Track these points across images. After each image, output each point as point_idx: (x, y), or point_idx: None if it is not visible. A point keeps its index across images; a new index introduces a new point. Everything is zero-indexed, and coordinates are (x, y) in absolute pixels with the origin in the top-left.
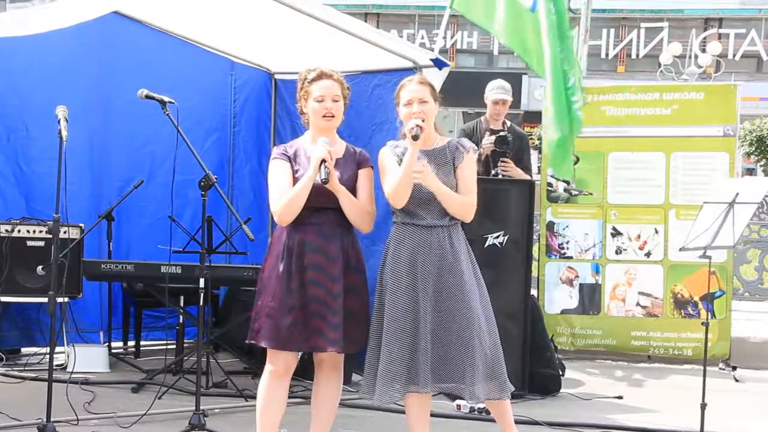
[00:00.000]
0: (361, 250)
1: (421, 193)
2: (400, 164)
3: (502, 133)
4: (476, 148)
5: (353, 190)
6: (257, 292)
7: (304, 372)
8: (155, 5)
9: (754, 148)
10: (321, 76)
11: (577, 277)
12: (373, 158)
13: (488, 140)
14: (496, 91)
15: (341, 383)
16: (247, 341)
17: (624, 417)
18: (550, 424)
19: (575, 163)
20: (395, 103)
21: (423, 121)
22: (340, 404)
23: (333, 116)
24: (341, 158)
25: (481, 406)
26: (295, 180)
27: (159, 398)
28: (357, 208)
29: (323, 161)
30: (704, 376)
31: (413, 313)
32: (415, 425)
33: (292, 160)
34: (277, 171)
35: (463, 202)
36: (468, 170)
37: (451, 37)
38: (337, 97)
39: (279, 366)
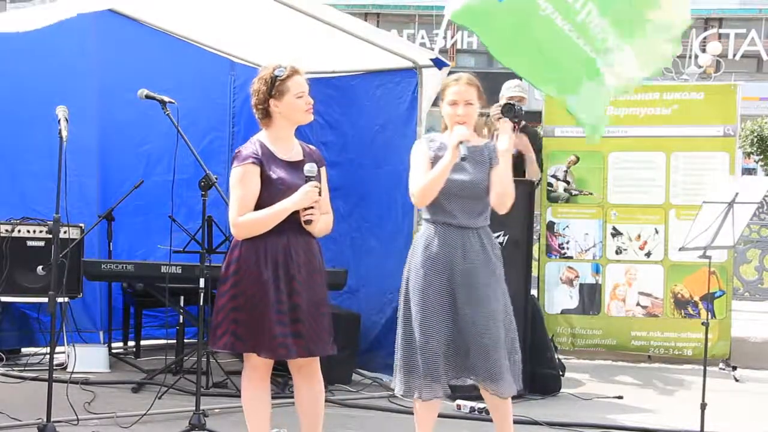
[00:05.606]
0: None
1: (462, 188)
2: (433, 159)
3: (509, 101)
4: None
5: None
6: (226, 297)
7: None
8: (155, 5)
9: (755, 148)
10: (296, 72)
11: (577, 277)
12: (377, 158)
13: (495, 108)
14: (513, 89)
15: (322, 383)
16: (215, 349)
17: (624, 417)
18: (550, 424)
19: (575, 163)
20: (440, 97)
21: (464, 123)
22: (340, 404)
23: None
24: (305, 159)
25: (482, 405)
26: (266, 183)
27: (159, 398)
28: (326, 228)
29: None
30: (704, 376)
31: (447, 313)
32: (422, 425)
33: (264, 164)
34: (245, 179)
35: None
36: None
37: (451, 37)
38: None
39: (262, 369)
